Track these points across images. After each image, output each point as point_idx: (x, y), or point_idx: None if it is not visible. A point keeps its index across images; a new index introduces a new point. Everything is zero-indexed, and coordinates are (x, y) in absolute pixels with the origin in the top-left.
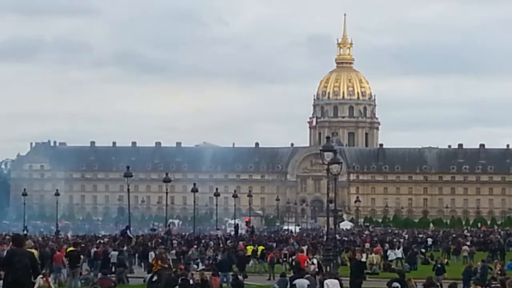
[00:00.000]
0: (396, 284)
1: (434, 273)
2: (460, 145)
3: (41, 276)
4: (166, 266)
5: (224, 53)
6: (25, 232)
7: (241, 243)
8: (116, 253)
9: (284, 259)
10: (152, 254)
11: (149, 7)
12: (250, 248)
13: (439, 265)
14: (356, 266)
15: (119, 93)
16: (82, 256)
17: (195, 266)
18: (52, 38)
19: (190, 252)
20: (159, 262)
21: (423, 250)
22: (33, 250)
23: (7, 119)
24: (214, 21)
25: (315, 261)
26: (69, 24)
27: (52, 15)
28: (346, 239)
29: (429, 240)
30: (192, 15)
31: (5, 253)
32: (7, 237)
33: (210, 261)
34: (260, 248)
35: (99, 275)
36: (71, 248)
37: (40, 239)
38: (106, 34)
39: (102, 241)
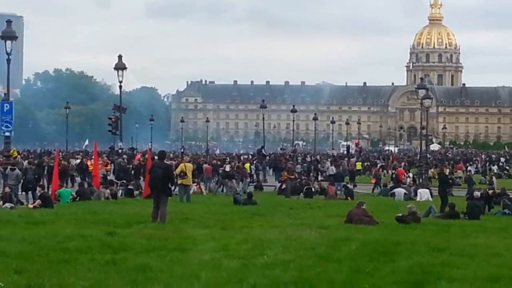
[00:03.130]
0: (477, 193)
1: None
2: None
3: (195, 183)
4: (293, 177)
5: (333, 10)
6: (182, 150)
7: (352, 159)
8: (253, 166)
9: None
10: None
11: None
12: (359, 164)
13: None
14: (443, 178)
15: (255, 43)
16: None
17: (314, 178)
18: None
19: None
20: (286, 173)
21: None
22: (189, 164)
23: (169, 62)
24: None
25: (411, 175)
26: None
27: None
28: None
29: (502, 159)
30: None
31: None
32: (171, 155)
33: (327, 174)
34: (366, 163)
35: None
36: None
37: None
38: None
39: (243, 157)
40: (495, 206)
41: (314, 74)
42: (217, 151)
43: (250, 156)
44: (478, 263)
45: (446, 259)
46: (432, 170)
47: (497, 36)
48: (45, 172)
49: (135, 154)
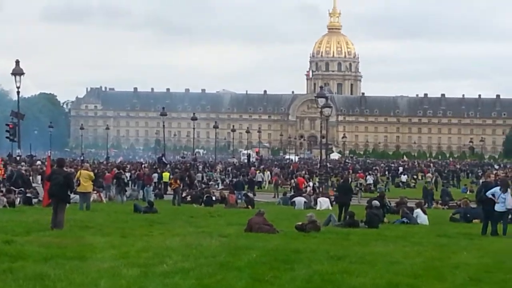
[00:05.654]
0: (376, 202)
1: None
2: (426, 94)
3: (95, 192)
4: (181, 185)
5: (233, 18)
6: (82, 157)
7: (252, 168)
8: (156, 175)
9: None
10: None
11: None
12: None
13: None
14: (347, 186)
15: (155, 50)
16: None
17: (216, 186)
18: (98, 3)
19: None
20: (174, 181)
21: (414, 176)
22: (89, 172)
23: (67, 68)
24: None
25: (311, 183)
26: None
27: None
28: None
29: (400, 168)
30: None
31: None
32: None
33: (228, 182)
34: (266, 173)
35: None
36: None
37: (95, 163)
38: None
39: (144, 165)
40: (387, 215)
41: (214, 81)
42: (120, 159)
43: (151, 165)
44: (377, 270)
45: (345, 267)
46: (334, 178)
47: (395, 45)
48: None
49: (34, 161)
